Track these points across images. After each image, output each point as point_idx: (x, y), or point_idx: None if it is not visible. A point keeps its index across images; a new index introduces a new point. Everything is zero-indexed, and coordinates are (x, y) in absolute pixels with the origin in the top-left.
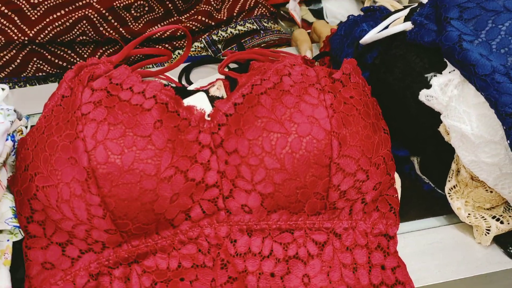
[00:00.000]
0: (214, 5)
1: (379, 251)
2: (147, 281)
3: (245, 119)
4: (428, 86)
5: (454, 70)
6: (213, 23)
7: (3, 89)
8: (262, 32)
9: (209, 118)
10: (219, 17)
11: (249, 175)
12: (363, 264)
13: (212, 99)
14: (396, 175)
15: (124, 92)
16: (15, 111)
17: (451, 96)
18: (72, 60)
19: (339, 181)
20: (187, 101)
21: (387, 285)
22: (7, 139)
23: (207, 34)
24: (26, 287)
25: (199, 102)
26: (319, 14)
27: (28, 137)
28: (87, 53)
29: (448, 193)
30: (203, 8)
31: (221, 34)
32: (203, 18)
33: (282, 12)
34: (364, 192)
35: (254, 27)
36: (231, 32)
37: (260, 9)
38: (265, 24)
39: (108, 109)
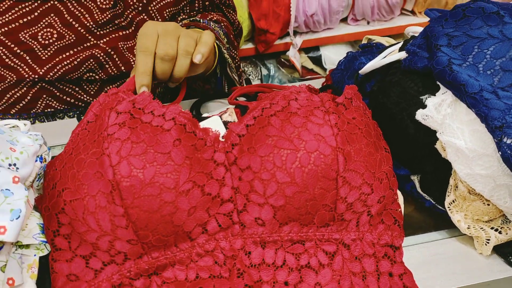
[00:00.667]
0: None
1: (386, 259)
2: None
3: (256, 138)
4: (423, 107)
5: (446, 92)
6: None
7: (25, 124)
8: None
9: (223, 139)
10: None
11: (262, 189)
12: (372, 272)
13: (225, 124)
14: (399, 193)
15: (146, 115)
16: (42, 136)
17: (445, 115)
18: (79, 96)
19: (345, 193)
20: (203, 124)
21: None
22: (36, 160)
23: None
24: None
25: (214, 125)
26: (317, 61)
27: (55, 160)
28: (94, 90)
29: (448, 207)
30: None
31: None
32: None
33: (282, 59)
34: (369, 205)
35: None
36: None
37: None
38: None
39: (131, 130)
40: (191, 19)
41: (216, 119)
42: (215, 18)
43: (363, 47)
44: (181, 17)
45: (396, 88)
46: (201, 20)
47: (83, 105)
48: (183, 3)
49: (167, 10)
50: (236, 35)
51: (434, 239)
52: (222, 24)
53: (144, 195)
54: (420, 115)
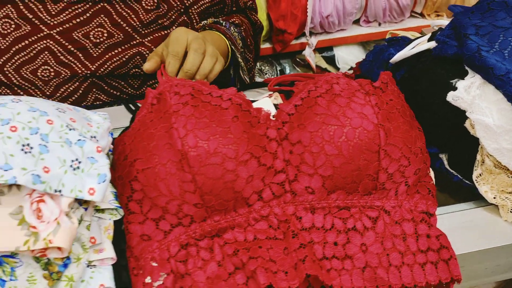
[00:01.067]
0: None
1: (423, 223)
2: (230, 250)
3: (305, 116)
4: (454, 90)
5: (474, 75)
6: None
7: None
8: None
9: (274, 118)
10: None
11: (312, 161)
12: (411, 234)
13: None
14: (430, 169)
15: (205, 96)
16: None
17: (474, 95)
18: (124, 90)
19: (387, 164)
20: (255, 105)
21: (433, 250)
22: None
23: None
24: (128, 255)
25: (265, 105)
26: (331, 60)
27: (123, 136)
28: (137, 84)
29: (476, 180)
30: None
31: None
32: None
33: (298, 59)
34: (407, 176)
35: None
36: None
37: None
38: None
39: (194, 107)
40: (215, 20)
41: (267, 100)
42: (237, 21)
43: (389, 40)
44: (211, 18)
45: (428, 74)
46: (223, 23)
47: (127, 97)
48: (215, 8)
49: (204, 14)
50: (256, 34)
51: (463, 209)
52: (242, 27)
53: (209, 164)
54: (451, 96)
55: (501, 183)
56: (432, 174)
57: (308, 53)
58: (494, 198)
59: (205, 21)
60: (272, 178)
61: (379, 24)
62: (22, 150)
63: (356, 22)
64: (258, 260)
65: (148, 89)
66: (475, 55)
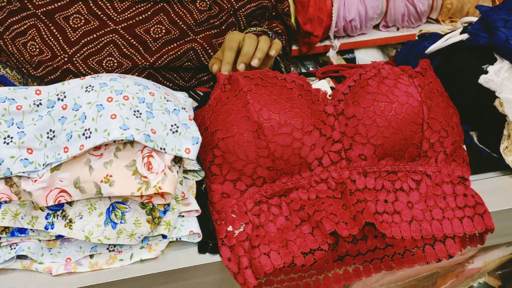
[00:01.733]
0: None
1: (460, 185)
2: (296, 206)
3: (359, 95)
4: (485, 73)
5: (503, 61)
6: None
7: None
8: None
9: (330, 97)
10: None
11: (365, 131)
12: (450, 194)
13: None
14: (463, 144)
15: (271, 79)
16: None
17: (503, 78)
18: (176, 81)
19: (429, 135)
20: (314, 85)
21: (469, 206)
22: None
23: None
24: (211, 209)
25: (322, 86)
26: (352, 62)
27: (201, 112)
28: (188, 77)
29: (503, 151)
30: None
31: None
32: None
33: (321, 60)
34: (445, 146)
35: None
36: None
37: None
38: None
39: (264, 87)
40: (262, 29)
41: (324, 82)
42: (279, 30)
43: (421, 36)
44: (254, 22)
45: (461, 61)
46: (270, 33)
47: (177, 89)
48: (258, 12)
49: (249, 17)
50: (290, 38)
51: (492, 177)
52: (283, 37)
53: (281, 133)
54: (483, 79)
55: None
56: (464, 147)
57: (332, 54)
58: None
59: (253, 29)
60: (330, 147)
61: (397, 29)
62: (134, 115)
63: (376, 27)
64: (322, 212)
65: (218, 73)
66: (504, 43)
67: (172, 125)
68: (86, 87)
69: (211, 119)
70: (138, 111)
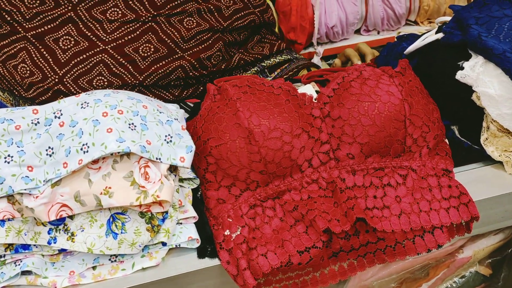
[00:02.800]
0: (260, 49)
1: (444, 177)
2: (289, 207)
3: (343, 97)
4: (461, 69)
5: (477, 57)
6: (259, 57)
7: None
8: (294, 60)
9: (315, 101)
10: (263, 53)
11: (351, 131)
12: (435, 186)
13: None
14: (445, 138)
15: (259, 86)
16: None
17: (478, 72)
18: (165, 97)
19: (412, 131)
20: (299, 90)
21: (454, 197)
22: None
23: (258, 63)
24: (208, 215)
25: (308, 90)
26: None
27: (193, 121)
28: (177, 93)
29: (483, 143)
30: (255, 50)
31: (267, 63)
32: (253, 54)
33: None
34: (428, 140)
35: (288, 57)
36: (273, 60)
37: (287, 50)
38: (294, 55)
39: (253, 95)
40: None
41: (309, 87)
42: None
43: (399, 37)
44: (243, 33)
45: (439, 59)
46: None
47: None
48: (248, 26)
49: (237, 30)
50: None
51: (474, 168)
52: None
53: (271, 138)
54: (459, 75)
55: (504, 144)
56: (446, 141)
57: (316, 61)
58: (499, 156)
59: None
60: (319, 148)
61: (378, 33)
62: (129, 127)
63: (357, 31)
64: (315, 211)
65: (208, 83)
66: (477, 40)
67: (166, 136)
68: (82, 104)
69: (203, 128)
70: (133, 123)
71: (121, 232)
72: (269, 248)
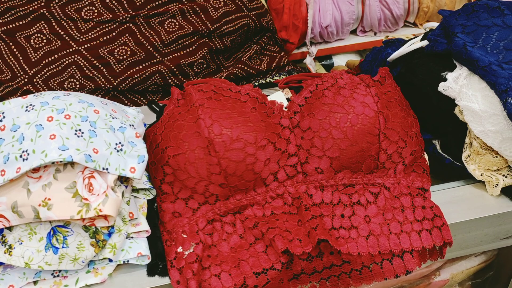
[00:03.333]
0: (253, 62)
1: (419, 197)
2: (250, 223)
3: (314, 106)
4: (444, 81)
5: (462, 68)
6: (254, 72)
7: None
8: None
9: (286, 109)
10: (259, 68)
11: (321, 144)
12: (409, 206)
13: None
14: (424, 154)
15: (225, 91)
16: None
17: (462, 85)
18: (142, 104)
19: (386, 146)
20: (269, 98)
21: (428, 219)
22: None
23: (253, 79)
24: (162, 229)
25: (278, 98)
26: (330, 68)
27: (153, 128)
28: (157, 99)
29: (465, 160)
30: (252, 62)
31: (261, 82)
32: (246, 68)
33: (299, 67)
34: (404, 156)
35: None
36: (269, 80)
37: (290, 67)
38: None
39: (217, 101)
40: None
41: (280, 94)
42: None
43: (386, 42)
44: (236, 40)
45: (422, 68)
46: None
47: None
48: (238, 32)
49: (226, 36)
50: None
51: (454, 186)
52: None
53: (233, 149)
54: (442, 87)
55: (487, 162)
56: (426, 157)
57: (309, 61)
58: (481, 175)
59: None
60: (286, 161)
61: (375, 34)
62: (75, 134)
63: (353, 32)
64: (276, 229)
65: (173, 87)
66: (462, 50)
67: (116, 144)
68: (27, 107)
69: (163, 135)
70: (80, 130)
71: (62, 247)
72: (223, 268)
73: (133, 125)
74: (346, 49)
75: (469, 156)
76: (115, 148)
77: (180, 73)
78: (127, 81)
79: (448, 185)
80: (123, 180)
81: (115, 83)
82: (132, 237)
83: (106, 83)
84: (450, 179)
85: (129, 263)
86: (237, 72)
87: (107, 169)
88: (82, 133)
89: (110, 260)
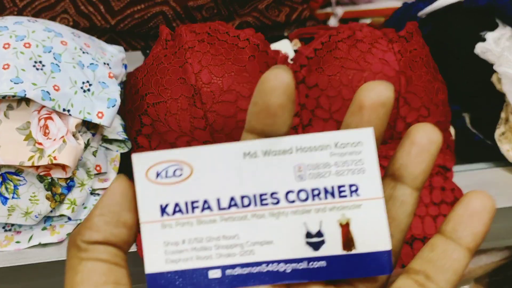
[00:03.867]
0: (271, 12)
1: (439, 176)
2: None
3: (324, 60)
4: (483, 41)
5: (505, 27)
6: (270, 23)
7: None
8: None
9: (292, 62)
10: (277, 19)
11: (327, 105)
12: (425, 186)
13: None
14: (450, 127)
15: (222, 35)
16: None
17: (503, 47)
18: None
19: (405, 113)
20: (273, 46)
21: (447, 203)
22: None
23: (269, 31)
24: None
25: (283, 48)
26: None
27: (135, 71)
28: None
29: (498, 138)
30: (269, 12)
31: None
32: (262, 18)
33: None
34: None
35: None
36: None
37: (312, 22)
38: None
39: (210, 45)
40: None
41: (286, 42)
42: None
43: None
44: None
45: (456, 26)
46: None
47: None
48: None
49: None
50: None
51: (482, 168)
52: None
53: (222, 101)
54: (479, 48)
55: None
56: (452, 131)
57: (333, 23)
58: None
59: None
60: None
61: None
62: (34, 66)
63: None
64: None
65: (162, 26)
66: (507, 5)
67: (84, 82)
68: None
69: (144, 80)
70: (40, 62)
71: (13, 197)
72: None
73: (108, 64)
74: (376, 13)
75: (503, 134)
76: (82, 88)
77: (187, 16)
78: (126, 21)
79: (475, 166)
80: (90, 126)
81: (112, 23)
82: (98, 194)
83: (103, 22)
84: (478, 160)
85: None
86: (251, 21)
87: (68, 110)
88: (43, 66)
89: (70, 219)
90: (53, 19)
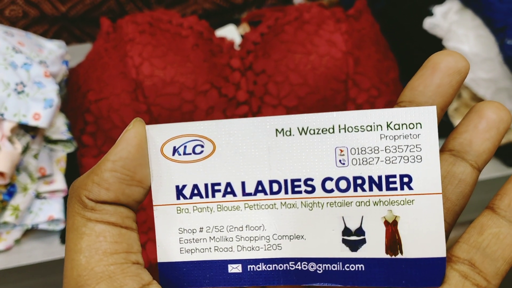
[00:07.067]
0: None
1: None
2: None
3: (271, 45)
4: (431, 16)
5: (453, 0)
6: (227, 6)
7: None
8: None
9: (239, 48)
10: (234, 1)
11: (276, 91)
12: None
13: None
14: None
15: (164, 24)
16: (65, 45)
17: (451, 22)
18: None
19: (355, 95)
20: (219, 33)
21: None
22: (62, 64)
23: (225, 16)
24: None
25: (229, 34)
26: None
27: (77, 67)
28: None
29: (451, 114)
30: None
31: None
32: (218, 1)
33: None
34: (377, 107)
35: None
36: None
37: (274, 0)
38: None
39: (151, 35)
40: None
41: (232, 28)
42: None
43: None
44: None
45: (407, 1)
46: None
47: None
48: None
49: None
50: None
51: None
52: None
53: (166, 94)
54: (427, 23)
55: None
56: None
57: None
58: None
59: None
60: (234, 110)
61: None
62: None
63: None
64: None
65: (102, 17)
66: None
67: (17, 84)
68: None
69: (86, 76)
70: None
71: None
72: (150, 236)
73: (44, 62)
74: None
75: (456, 109)
76: (15, 89)
77: (143, 1)
78: (77, 8)
79: None
80: (29, 128)
81: (63, 10)
82: (45, 198)
83: (54, 10)
84: None
85: (42, 229)
86: (207, 7)
87: (2, 114)
88: None
89: (16, 225)
90: (1, 11)
